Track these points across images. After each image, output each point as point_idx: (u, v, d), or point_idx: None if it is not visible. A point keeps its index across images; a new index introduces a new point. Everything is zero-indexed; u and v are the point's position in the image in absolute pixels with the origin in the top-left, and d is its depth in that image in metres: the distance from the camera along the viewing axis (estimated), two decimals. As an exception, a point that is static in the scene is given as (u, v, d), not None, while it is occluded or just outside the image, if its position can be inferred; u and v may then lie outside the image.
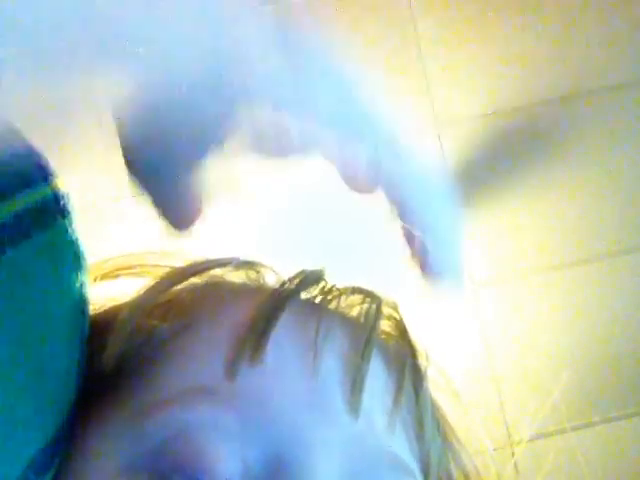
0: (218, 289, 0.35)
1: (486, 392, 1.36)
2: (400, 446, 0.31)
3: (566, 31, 1.35)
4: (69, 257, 0.31)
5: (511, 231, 1.35)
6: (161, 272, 0.38)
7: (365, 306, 0.35)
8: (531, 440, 1.44)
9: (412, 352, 0.34)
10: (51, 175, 0.32)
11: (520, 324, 1.36)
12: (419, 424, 0.33)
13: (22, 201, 0.29)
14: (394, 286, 1.26)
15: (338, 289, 0.36)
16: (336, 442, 0.29)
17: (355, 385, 0.29)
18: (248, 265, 0.37)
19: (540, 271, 1.36)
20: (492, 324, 1.36)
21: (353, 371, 0.30)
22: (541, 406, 1.37)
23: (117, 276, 0.39)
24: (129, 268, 0.39)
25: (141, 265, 0.39)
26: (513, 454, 1.36)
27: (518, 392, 1.36)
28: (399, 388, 0.32)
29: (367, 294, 0.36)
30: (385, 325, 0.36)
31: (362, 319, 0.34)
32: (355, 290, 0.36)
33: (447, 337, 1.35)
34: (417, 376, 0.34)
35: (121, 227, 1.31)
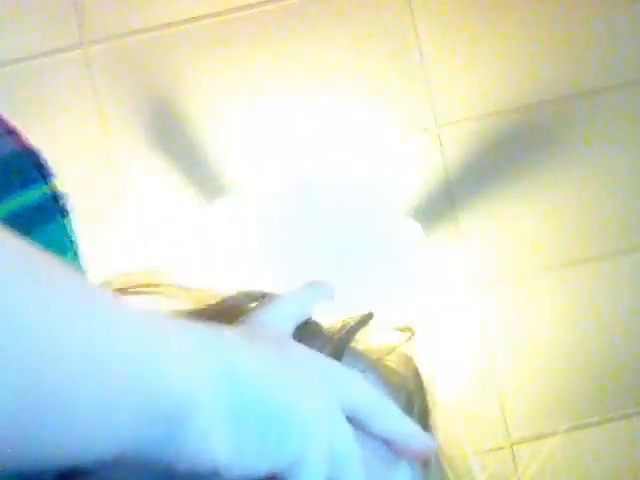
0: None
1: (486, 392, 1.36)
2: (404, 476, 0.34)
3: (567, 31, 1.35)
4: (68, 256, 0.31)
5: (511, 231, 1.35)
6: (175, 293, 0.38)
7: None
8: (531, 440, 1.45)
9: (421, 391, 0.37)
10: (50, 175, 0.32)
11: (520, 324, 1.36)
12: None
13: (20, 200, 0.29)
14: (394, 287, 1.26)
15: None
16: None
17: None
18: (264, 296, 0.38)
19: (540, 271, 1.36)
20: (492, 324, 1.36)
21: None
22: (541, 406, 1.38)
23: (137, 293, 0.39)
24: (148, 286, 0.39)
25: (159, 284, 0.39)
26: (513, 454, 1.36)
27: (518, 392, 1.36)
28: None
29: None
30: (393, 361, 0.37)
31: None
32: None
33: (447, 337, 1.35)
34: (425, 414, 0.36)
35: (121, 227, 1.31)
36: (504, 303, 1.36)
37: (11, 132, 0.31)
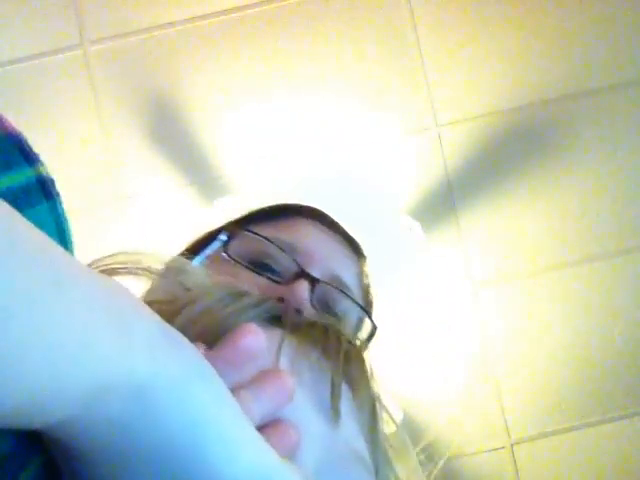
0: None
1: (486, 392, 1.36)
2: (363, 449, 0.38)
3: (566, 31, 1.35)
4: (53, 239, 0.31)
5: (511, 231, 1.35)
6: (156, 272, 0.40)
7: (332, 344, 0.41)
8: (531, 440, 1.45)
9: (367, 383, 0.41)
10: (35, 159, 0.32)
11: (520, 324, 1.36)
12: (373, 434, 0.40)
13: (3, 183, 0.29)
14: (394, 287, 1.26)
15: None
16: (318, 436, 0.36)
17: (335, 400, 0.37)
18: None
19: (540, 271, 1.36)
20: (492, 324, 1.36)
21: (336, 394, 0.38)
22: (541, 406, 1.38)
23: (115, 273, 0.40)
24: (126, 264, 0.40)
25: (138, 265, 0.40)
26: (513, 454, 1.36)
27: (518, 392, 1.36)
28: (362, 407, 0.40)
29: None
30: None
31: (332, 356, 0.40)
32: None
33: (447, 337, 1.35)
34: (373, 399, 0.41)
35: (121, 227, 1.31)
36: (504, 303, 1.36)
37: None
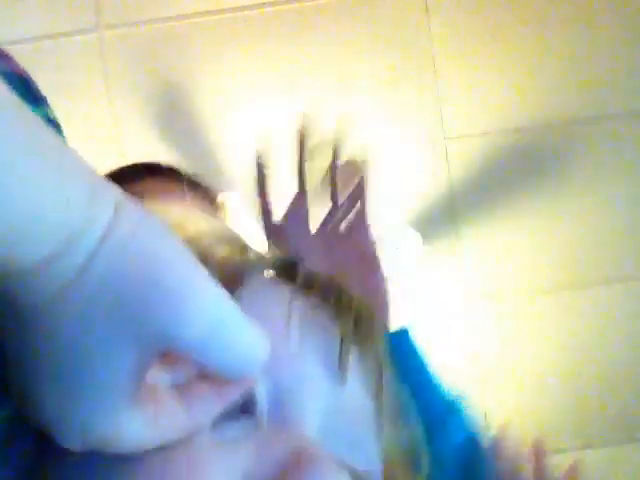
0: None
1: (479, 405, 1.35)
2: (368, 409, 0.39)
3: (575, 55, 1.35)
4: None
5: (510, 247, 1.35)
6: None
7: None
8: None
9: (376, 346, 0.41)
10: (43, 101, 0.32)
11: (516, 339, 1.36)
12: (379, 395, 0.40)
13: None
14: (393, 297, 1.25)
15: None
16: (324, 393, 0.36)
17: (343, 362, 0.38)
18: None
19: (537, 289, 1.36)
20: (488, 338, 1.36)
21: (345, 352, 0.38)
22: (536, 425, 1.37)
23: None
24: None
25: None
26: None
27: (514, 405, 1.35)
28: (369, 368, 0.40)
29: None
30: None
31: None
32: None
33: (443, 348, 1.34)
34: (380, 361, 0.41)
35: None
36: (499, 318, 1.36)
37: (2, 56, 0.31)
